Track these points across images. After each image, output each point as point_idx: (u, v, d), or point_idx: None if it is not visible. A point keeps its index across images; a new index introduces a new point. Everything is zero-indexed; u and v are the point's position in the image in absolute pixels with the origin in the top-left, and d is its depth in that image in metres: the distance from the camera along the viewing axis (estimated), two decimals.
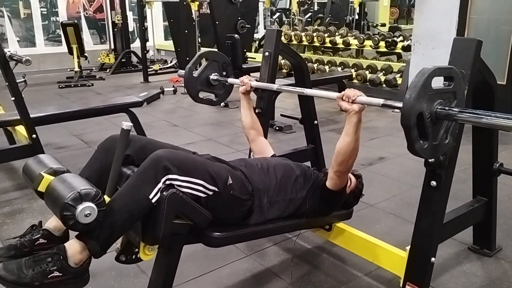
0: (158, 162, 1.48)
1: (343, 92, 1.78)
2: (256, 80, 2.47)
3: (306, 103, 2.95)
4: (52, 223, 1.59)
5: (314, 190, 1.98)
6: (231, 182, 1.68)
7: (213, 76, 2.54)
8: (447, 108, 1.43)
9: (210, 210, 1.62)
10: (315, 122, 2.94)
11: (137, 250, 1.68)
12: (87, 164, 1.71)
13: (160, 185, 1.46)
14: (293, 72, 2.95)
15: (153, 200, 1.45)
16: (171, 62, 8.76)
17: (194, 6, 6.50)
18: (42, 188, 1.42)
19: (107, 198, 1.47)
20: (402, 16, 13.68)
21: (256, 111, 2.65)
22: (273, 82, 2.64)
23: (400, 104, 1.46)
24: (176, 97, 6.43)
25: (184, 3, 6.61)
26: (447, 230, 1.97)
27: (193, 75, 2.50)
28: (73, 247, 1.43)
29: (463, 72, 1.74)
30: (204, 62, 2.59)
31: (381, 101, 1.68)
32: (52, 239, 1.58)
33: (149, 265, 1.79)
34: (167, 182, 1.48)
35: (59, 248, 1.41)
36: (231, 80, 2.54)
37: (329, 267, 2.24)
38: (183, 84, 6.77)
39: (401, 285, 1.95)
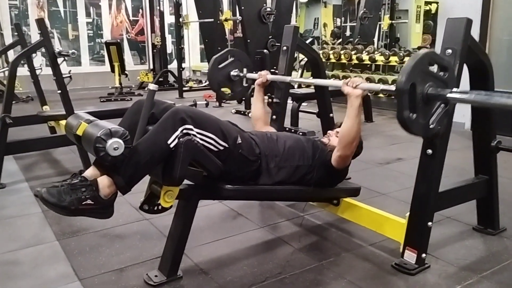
0: (176, 114, 1.72)
1: (348, 79, 2.02)
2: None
3: (322, 98, 3.17)
4: (89, 172, 1.80)
5: (321, 162, 2.16)
6: (240, 141, 1.90)
7: (233, 72, 2.79)
8: (439, 89, 1.56)
9: (221, 163, 1.84)
10: (331, 115, 3.14)
11: (158, 202, 1.90)
12: (119, 123, 1.97)
13: (177, 132, 1.69)
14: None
15: (171, 145, 1.68)
16: (205, 82, 9.19)
17: (227, 25, 6.91)
18: (80, 132, 1.68)
19: None
20: (435, 42, 13.71)
21: (275, 100, 2.89)
22: (290, 73, 2.88)
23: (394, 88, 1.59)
24: (208, 109, 6.76)
25: (218, 22, 7.01)
26: (444, 199, 2.11)
27: (218, 66, 2.77)
28: (103, 182, 1.67)
29: (455, 48, 1.93)
30: (230, 59, 2.85)
31: (380, 86, 1.89)
32: None
33: None
34: (184, 131, 1.71)
35: (92, 181, 1.65)
36: (249, 74, 2.78)
37: (336, 238, 2.39)
38: (214, 99, 7.12)
39: (401, 250, 2.09)
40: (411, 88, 1.54)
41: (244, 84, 2.81)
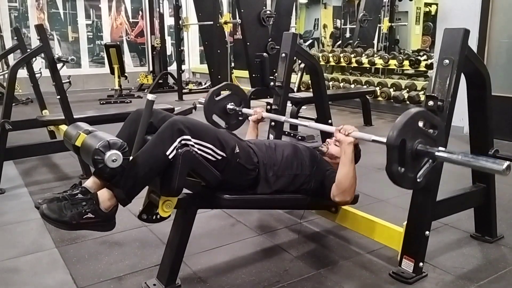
0: (174, 125, 1.73)
1: (341, 126, 2.06)
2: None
3: (321, 104, 3.18)
4: (89, 183, 1.81)
5: (319, 174, 2.16)
6: (238, 151, 1.90)
7: (230, 106, 2.79)
8: (428, 146, 1.61)
9: (219, 173, 1.84)
10: (330, 121, 3.15)
11: (157, 211, 1.90)
12: (118, 133, 1.99)
13: (176, 144, 1.70)
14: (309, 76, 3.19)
15: (170, 156, 1.69)
16: (205, 84, 9.21)
17: (226, 28, 6.92)
18: (78, 143, 1.69)
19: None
20: (434, 44, 13.71)
21: (273, 107, 2.90)
22: (289, 80, 2.89)
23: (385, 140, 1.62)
24: None
25: (218, 24, 7.02)
26: (442, 208, 2.12)
27: (215, 98, 2.76)
28: (104, 195, 1.68)
29: (452, 58, 1.93)
30: (227, 92, 2.85)
31: (372, 136, 1.91)
32: None
33: None
34: (183, 142, 1.72)
35: (92, 195, 1.66)
36: (245, 110, 2.79)
37: (334, 246, 2.40)
38: None
39: (398, 259, 2.10)
40: (401, 144, 1.58)
41: (240, 118, 2.80)
